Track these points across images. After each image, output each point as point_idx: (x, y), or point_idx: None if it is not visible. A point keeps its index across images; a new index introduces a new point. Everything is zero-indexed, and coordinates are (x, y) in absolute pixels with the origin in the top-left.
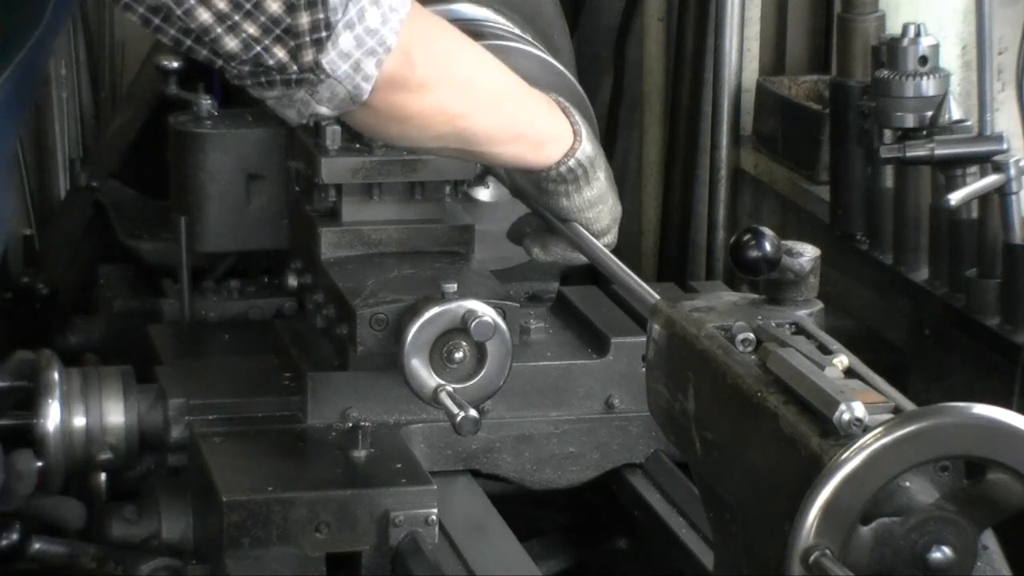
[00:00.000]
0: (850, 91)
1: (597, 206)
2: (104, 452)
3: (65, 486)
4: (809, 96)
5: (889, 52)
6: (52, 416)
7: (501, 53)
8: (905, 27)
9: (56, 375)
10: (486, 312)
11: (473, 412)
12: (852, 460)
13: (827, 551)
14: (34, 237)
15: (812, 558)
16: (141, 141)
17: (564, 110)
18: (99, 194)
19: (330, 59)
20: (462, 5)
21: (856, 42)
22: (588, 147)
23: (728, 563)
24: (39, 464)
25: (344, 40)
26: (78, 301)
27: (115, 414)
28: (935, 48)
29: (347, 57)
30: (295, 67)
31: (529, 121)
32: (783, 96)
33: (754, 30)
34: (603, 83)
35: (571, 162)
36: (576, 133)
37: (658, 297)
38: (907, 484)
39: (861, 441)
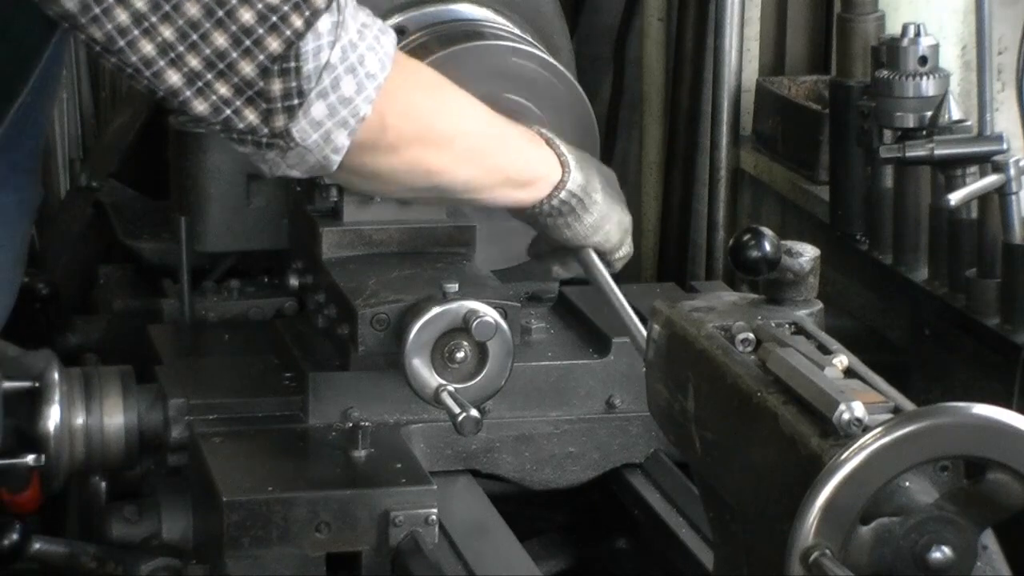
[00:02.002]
0: (850, 91)
1: (602, 228)
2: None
3: (65, 486)
4: (809, 96)
5: (889, 52)
6: (52, 416)
7: (501, 53)
8: (905, 27)
9: (56, 375)
10: (487, 312)
11: (474, 412)
12: (852, 460)
13: (827, 551)
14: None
15: (812, 558)
16: (141, 141)
17: (549, 143)
18: (99, 194)
19: (300, 127)
20: (462, 5)
21: (856, 42)
22: (578, 176)
23: (728, 563)
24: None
25: (316, 109)
26: (78, 301)
27: (115, 414)
28: (935, 48)
29: (318, 126)
30: (266, 130)
31: (511, 164)
32: (783, 96)
33: (754, 30)
34: (603, 83)
35: (562, 195)
36: (564, 164)
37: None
38: (907, 484)
39: (861, 441)
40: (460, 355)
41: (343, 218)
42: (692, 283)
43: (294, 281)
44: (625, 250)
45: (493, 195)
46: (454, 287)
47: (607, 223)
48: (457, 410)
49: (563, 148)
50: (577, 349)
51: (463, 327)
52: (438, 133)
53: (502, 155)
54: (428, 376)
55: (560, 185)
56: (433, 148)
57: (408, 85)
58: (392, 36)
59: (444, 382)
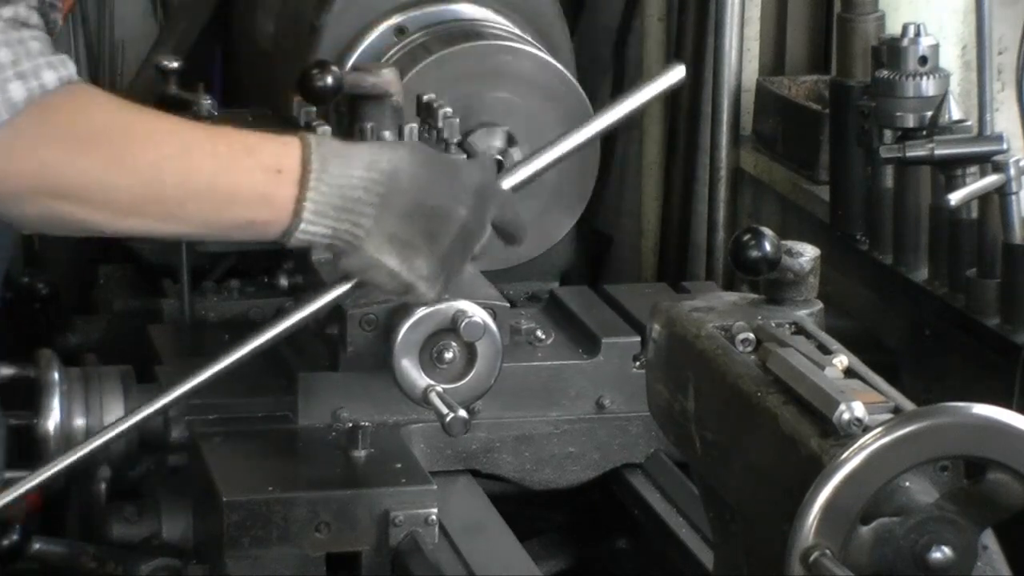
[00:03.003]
0: (850, 91)
1: (365, 274)
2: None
3: (65, 486)
4: (809, 96)
5: (889, 52)
6: (52, 416)
7: (501, 53)
8: (905, 27)
9: (56, 375)
10: (476, 312)
11: (463, 412)
12: (852, 460)
13: (827, 551)
14: (34, 237)
15: (812, 558)
16: None
17: (304, 174)
18: None
19: None
20: (462, 5)
21: (856, 42)
22: (316, 226)
23: (728, 563)
24: None
25: None
26: (78, 301)
27: (115, 414)
28: (935, 48)
29: None
30: None
31: (210, 214)
32: (783, 96)
33: (754, 30)
34: (603, 83)
35: (292, 241)
36: (298, 211)
37: None
38: (907, 484)
39: (861, 441)
40: (449, 355)
41: None
42: (683, 284)
43: (284, 281)
44: (411, 299)
45: (196, 236)
46: None
47: (375, 272)
48: (445, 410)
49: (314, 192)
50: (567, 350)
51: (452, 327)
52: (74, 188)
53: (195, 207)
54: (417, 376)
55: (286, 234)
56: (72, 202)
57: (44, 135)
58: (35, 84)
59: (433, 382)
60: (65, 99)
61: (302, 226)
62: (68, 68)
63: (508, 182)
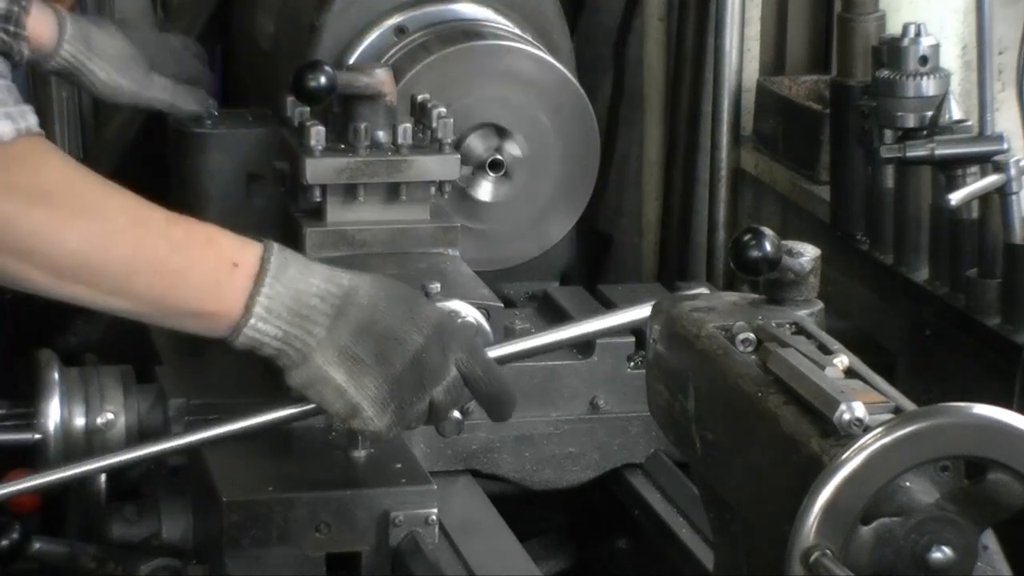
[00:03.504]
0: (850, 91)
1: (313, 387)
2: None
3: (65, 486)
4: (809, 96)
5: (889, 52)
6: (52, 416)
7: (501, 53)
8: (905, 27)
9: (56, 375)
10: (469, 312)
11: (456, 413)
12: (852, 460)
13: (827, 551)
14: None
15: (812, 558)
16: (141, 141)
17: (260, 275)
18: None
19: None
20: (462, 5)
21: (856, 42)
22: (269, 326)
23: (728, 563)
24: None
25: None
26: None
27: (115, 414)
28: (935, 48)
29: None
30: None
31: (153, 294)
32: (783, 96)
33: (754, 30)
34: (603, 83)
35: (240, 339)
36: (249, 307)
37: None
38: (907, 484)
39: (861, 441)
40: None
41: (327, 218)
42: (678, 284)
43: None
44: (358, 424)
45: (143, 317)
46: (436, 287)
47: (323, 387)
48: None
49: (269, 289)
50: (561, 350)
51: None
52: (21, 243)
53: (142, 283)
54: None
55: (235, 330)
56: (18, 258)
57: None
58: None
59: None
60: (21, 152)
61: (252, 321)
62: (28, 120)
63: (491, 353)
